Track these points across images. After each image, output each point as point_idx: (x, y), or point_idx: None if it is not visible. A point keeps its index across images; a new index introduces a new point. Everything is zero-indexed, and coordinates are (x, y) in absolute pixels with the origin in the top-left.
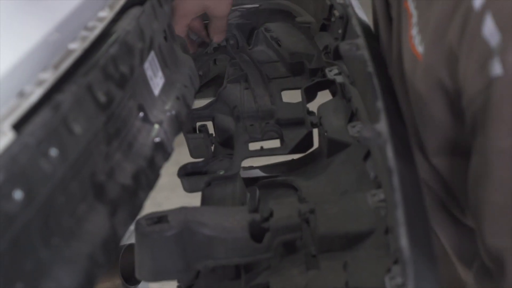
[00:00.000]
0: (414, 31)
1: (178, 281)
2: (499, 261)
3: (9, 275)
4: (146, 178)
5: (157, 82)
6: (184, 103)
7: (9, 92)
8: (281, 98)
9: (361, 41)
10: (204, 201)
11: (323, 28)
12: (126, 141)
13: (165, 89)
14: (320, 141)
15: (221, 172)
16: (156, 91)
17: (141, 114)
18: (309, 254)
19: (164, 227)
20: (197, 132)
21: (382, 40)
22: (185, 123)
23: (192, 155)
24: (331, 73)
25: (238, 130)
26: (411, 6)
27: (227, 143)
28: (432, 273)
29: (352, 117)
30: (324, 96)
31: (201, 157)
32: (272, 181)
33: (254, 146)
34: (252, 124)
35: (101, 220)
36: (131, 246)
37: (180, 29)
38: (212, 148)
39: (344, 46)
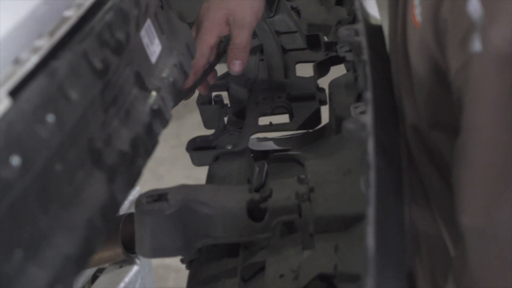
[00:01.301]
0: (416, 1)
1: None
2: (462, 238)
3: (8, 242)
4: (144, 145)
5: (153, 49)
6: (181, 70)
7: (5, 59)
8: (294, 71)
9: (361, 26)
10: (210, 176)
11: (339, 2)
12: (123, 108)
13: (162, 56)
14: (330, 117)
15: (229, 147)
16: (153, 58)
17: (138, 81)
18: (307, 234)
19: (164, 206)
20: (212, 102)
21: (390, 14)
22: (183, 90)
23: (205, 126)
24: (342, 49)
25: (250, 103)
26: None
27: (240, 114)
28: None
29: (359, 97)
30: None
31: (214, 128)
32: (281, 156)
33: (264, 120)
34: (265, 97)
35: (100, 186)
36: (131, 216)
37: (205, 48)
38: (226, 119)
39: (343, 31)
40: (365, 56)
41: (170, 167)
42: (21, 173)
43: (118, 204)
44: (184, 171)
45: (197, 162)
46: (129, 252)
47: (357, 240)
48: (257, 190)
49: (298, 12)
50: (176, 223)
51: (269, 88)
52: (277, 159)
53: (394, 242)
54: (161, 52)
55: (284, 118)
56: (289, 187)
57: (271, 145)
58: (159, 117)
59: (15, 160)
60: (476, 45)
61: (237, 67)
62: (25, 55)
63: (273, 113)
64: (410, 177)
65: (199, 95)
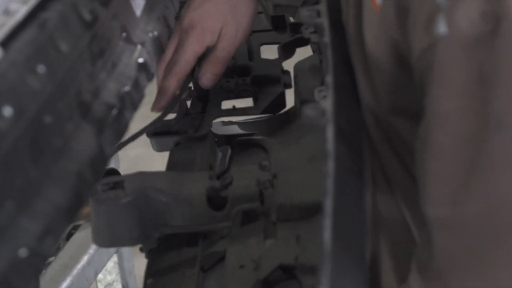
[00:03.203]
0: None
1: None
2: (429, 229)
3: None
4: (131, 98)
5: (138, 2)
6: (165, 24)
7: None
8: (259, 54)
9: (322, 7)
10: (170, 162)
11: None
12: (110, 61)
13: (146, 9)
14: (295, 101)
15: (191, 132)
16: (138, 11)
17: (124, 34)
18: (269, 222)
19: (120, 194)
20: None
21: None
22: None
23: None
24: (307, 31)
25: (213, 87)
26: None
27: (204, 98)
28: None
29: (324, 80)
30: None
31: (175, 113)
32: (245, 141)
33: (227, 104)
34: (228, 80)
35: (88, 139)
36: (111, 170)
37: (191, 57)
38: (189, 103)
39: (304, 12)
40: (327, 38)
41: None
42: (12, 123)
43: (106, 157)
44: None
45: (157, 148)
46: None
47: (319, 230)
48: (219, 177)
49: None
50: (133, 211)
51: (233, 71)
52: (241, 144)
53: (352, 237)
54: (145, 5)
55: (248, 102)
56: (250, 174)
57: (236, 130)
58: (145, 71)
59: (8, 111)
60: (441, 27)
61: (209, 80)
62: (15, 5)
63: (237, 96)
64: (371, 162)
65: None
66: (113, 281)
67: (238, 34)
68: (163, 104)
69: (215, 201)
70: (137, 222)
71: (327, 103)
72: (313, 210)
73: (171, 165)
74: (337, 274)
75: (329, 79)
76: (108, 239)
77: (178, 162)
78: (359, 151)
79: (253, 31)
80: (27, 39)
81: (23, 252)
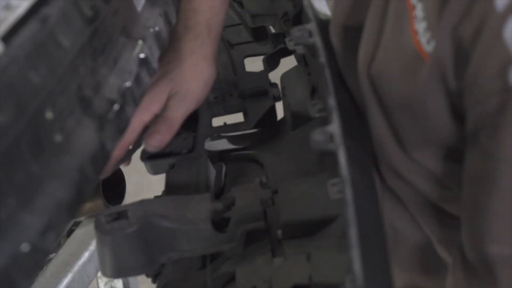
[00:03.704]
0: (419, 26)
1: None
2: (491, 267)
3: (0, 189)
4: (132, 94)
5: None
6: (166, 20)
7: None
8: (244, 67)
9: (313, 26)
10: (168, 185)
11: None
12: (111, 56)
13: (147, 5)
14: (284, 113)
15: (185, 152)
16: (139, 7)
17: (125, 30)
18: (275, 239)
19: (124, 224)
20: None
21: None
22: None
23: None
24: (291, 42)
25: (201, 105)
26: None
27: (191, 116)
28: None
29: (313, 92)
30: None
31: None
32: (238, 156)
33: (217, 120)
34: (216, 96)
35: (90, 134)
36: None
37: (137, 125)
38: None
39: (295, 33)
40: (322, 58)
41: None
42: (13, 119)
43: (107, 153)
44: None
45: (152, 171)
46: (110, 203)
47: (328, 247)
48: (218, 195)
49: (240, 4)
50: (138, 240)
51: (219, 87)
52: (234, 159)
53: (381, 265)
54: (146, 1)
55: (238, 117)
56: (252, 193)
57: (226, 144)
58: (146, 66)
59: (8, 105)
60: None
61: (155, 142)
62: (16, 0)
63: (226, 112)
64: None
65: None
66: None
67: (190, 92)
68: (107, 170)
69: (220, 223)
70: (143, 250)
71: (334, 127)
72: (318, 226)
73: (168, 188)
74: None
75: (331, 101)
76: (115, 269)
77: (176, 184)
78: (369, 172)
79: (235, 44)
80: (28, 35)
81: (25, 247)
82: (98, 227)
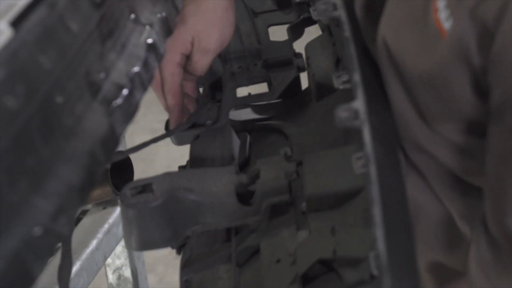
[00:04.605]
0: (440, 4)
1: None
2: (507, 239)
3: (12, 172)
4: (140, 78)
5: None
6: (173, 5)
7: None
8: (268, 36)
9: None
10: (192, 155)
11: None
12: (119, 41)
13: None
14: (309, 83)
15: (209, 122)
16: None
17: (133, 15)
18: (300, 212)
19: (149, 197)
20: None
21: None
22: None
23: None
24: (316, 12)
25: (225, 74)
26: None
27: (216, 85)
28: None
29: (338, 62)
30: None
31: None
32: (263, 126)
33: (241, 90)
34: (240, 66)
35: (99, 119)
36: (120, 153)
37: (173, 67)
38: (201, 90)
39: (320, 6)
40: (347, 32)
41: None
42: (24, 103)
43: (117, 137)
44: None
45: (177, 142)
46: (118, 190)
47: (353, 220)
48: (242, 166)
49: None
50: (163, 214)
51: (243, 56)
52: (259, 130)
53: (405, 245)
54: None
55: (262, 87)
56: (277, 166)
57: (250, 114)
58: (154, 51)
59: (20, 90)
60: None
61: (194, 69)
62: None
63: (250, 83)
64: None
65: None
66: (122, 266)
67: (212, 45)
68: (177, 122)
69: (244, 196)
70: (168, 224)
71: (359, 104)
72: (343, 198)
73: (194, 160)
74: (395, 286)
75: (356, 77)
76: (141, 243)
77: (201, 156)
78: (394, 149)
79: (259, 12)
80: (37, 20)
81: (37, 231)
82: (123, 200)
